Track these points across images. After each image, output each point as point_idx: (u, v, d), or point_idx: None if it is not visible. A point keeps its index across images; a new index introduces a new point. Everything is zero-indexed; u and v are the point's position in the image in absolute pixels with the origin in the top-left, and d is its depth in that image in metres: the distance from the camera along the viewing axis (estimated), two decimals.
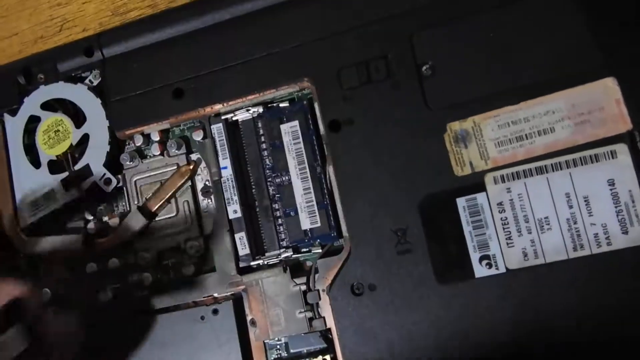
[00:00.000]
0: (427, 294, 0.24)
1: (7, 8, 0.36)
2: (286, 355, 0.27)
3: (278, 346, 0.27)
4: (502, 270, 0.23)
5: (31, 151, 0.30)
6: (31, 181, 0.30)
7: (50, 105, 0.30)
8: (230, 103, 0.27)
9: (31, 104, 0.30)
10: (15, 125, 0.30)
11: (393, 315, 0.24)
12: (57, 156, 0.29)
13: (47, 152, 0.30)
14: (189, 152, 0.28)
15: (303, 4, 0.27)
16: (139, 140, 0.29)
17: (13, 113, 0.30)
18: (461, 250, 0.24)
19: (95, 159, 0.29)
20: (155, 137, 0.29)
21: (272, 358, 0.27)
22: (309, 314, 0.26)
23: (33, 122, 0.30)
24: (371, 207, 0.25)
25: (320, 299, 0.26)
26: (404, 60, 0.25)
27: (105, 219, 0.29)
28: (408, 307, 0.24)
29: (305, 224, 0.26)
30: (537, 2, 0.24)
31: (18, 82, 0.31)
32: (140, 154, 0.29)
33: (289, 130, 0.27)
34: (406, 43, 0.25)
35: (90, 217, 0.29)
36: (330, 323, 0.25)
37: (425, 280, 0.24)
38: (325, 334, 0.26)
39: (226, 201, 0.27)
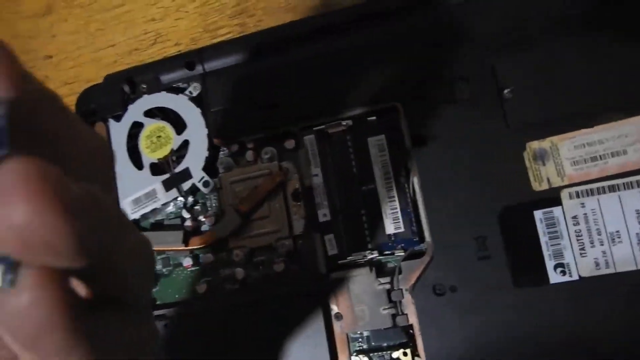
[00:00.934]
0: (504, 297, 0.27)
1: (104, 21, 0.39)
2: (367, 347, 0.29)
3: (360, 339, 0.29)
4: (575, 277, 0.26)
5: (133, 154, 0.33)
6: (134, 181, 0.33)
7: (152, 113, 0.33)
8: (321, 119, 0.30)
9: (135, 111, 0.33)
10: (119, 130, 0.33)
11: (472, 315, 0.27)
12: (158, 159, 0.32)
13: (149, 155, 0.33)
14: (281, 159, 0.31)
15: (393, 29, 0.30)
16: (234, 148, 0.32)
17: (118, 119, 0.34)
18: (537, 258, 0.26)
19: (194, 163, 0.32)
20: (250, 145, 0.32)
21: (355, 349, 0.29)
22: (392, 311, 0.28)
23: (136, 127, 0.33)
24: (453, 215, 0.28)
25: (403, 297, 0.28)
26: (487, 84, 0.28)
27: (201, 218, 0.32)
28: (486, 308, 0.27)
29: (390, 228, 0.29)
30: (608, 34, 0.27)
31: (123, 91, 0.34)
32: (235, 160, 0.32)
33: (376, 143, 0.30)
34: (489, 68, 0.28)
35: (187, 216, 0.32)
36: (412, 320, 0.28)
37: (503, 284, 0.27)
38: (407, 330, 0.29)
39: (316, 206, 0.30)
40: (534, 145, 0.27)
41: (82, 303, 0.12)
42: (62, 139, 0.12)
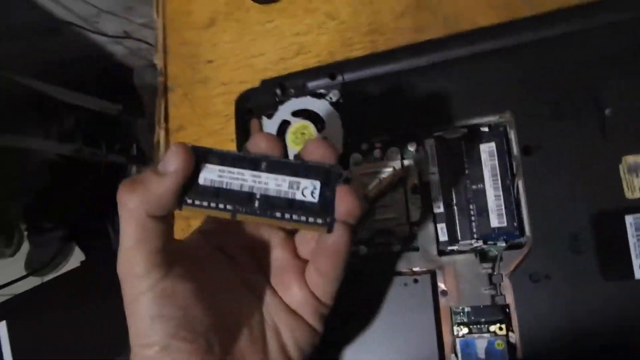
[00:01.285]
0: (593, 288, 0.31)
1: (257, 34, 0.47)
2: (467, 320, 0.35)
3: (462, 313, 0.35)
4: None
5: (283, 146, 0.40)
6: None
7: (298, 113, 0.40)
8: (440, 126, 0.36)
9: (284, 111, 0.41)
10: (270, 126, 0.41)
11: (562, 300, 0.31)
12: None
13: (294, 147, 0.40)
14: (403, 158, 0.37)
15: (506, 51, 0.35)
16: (364, 146, 0.38)
17: (270, 117, 0.41)
18: (625, 256, 0.31)
19: None
20: (378, 144, 0.38)
21: (456, 322, 0.35)
22: (492, 292, 0.34)
23: (284, 124, 0.41)
24: (551, 214, 0.32)
25: (502, 280, 0.33)
26: (590, 103, 0.32)
27: None
28: (576, 296, 0.31)
29: (494, 222, 0.34)
30: None
31: (275, 94, 0.41)
32: (364, 156, 0.38)
33: (487, 150, 0.35)
34: (593, 89, 0.33)
35: None
36: (509, 300, 0.33)
37: (592, 276, 0.31)
38: (504, 309, 0.34)
39: (432, 199, 0.36)
40: (630, 159, 0.31)
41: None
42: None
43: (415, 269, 0.36)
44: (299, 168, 0.27)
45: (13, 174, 1.43)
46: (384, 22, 0.42)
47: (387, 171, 0.37)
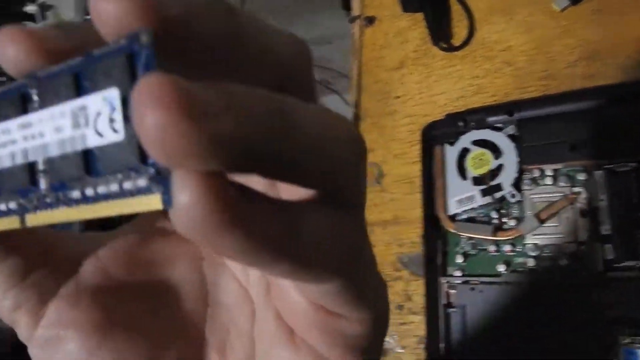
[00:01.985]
0: None
1: (440, 76, 0.55)
2: (629, 332, 0.40)
3: (626, 325, 0.40)
4: None
5: (460, 168, 0.48)
6: (459, 187, 0.48)
7: (478, 143, 0.48)
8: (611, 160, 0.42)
9: (465, 140, 0.49)
10: (452, 152, 0.49)
11: None
12: (479, 174, 0.47)
13: (473, 171, 0.48)
14: (573, 185, 0.43)
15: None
16: (536, 173, 0.45)
17: (452, 144, 0.49)
18: None
19: (506, 180, 0.46)
20: (549, 172, 0.44)
21: (621, 333, 0.40)
22: None
23: (464, 151, 0.48)
24: None
25: None
26: None
27: (505, 219, 0.46)
28: None
29: None
30: None
31: (458, 125, 0.49)
32: (536, 181, 0.45)
33: None
34: None
35: (495, 216, 0.46)
36: None
37: None
38: None
39: (599, 222, 0.41)
40: None
41: (259, 198, 0.12)
42: (229, 46, 0.12)
43: (582, 283, 0.42)
44: (83, 70, 0.12)
45: None
46: (558, 69, 0.49)
47: (558, 196, 0.44)
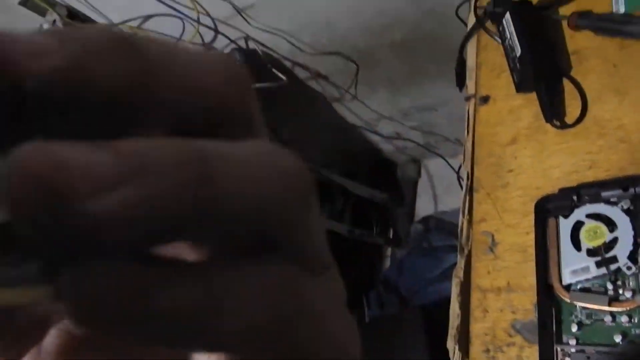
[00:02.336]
0: None
1: (553, 150, 0.59)
2: None
3: None
4: None
5: (574, 239, 0.51)
6: (574, 258, 0.50)
7: (592, 216, 0.50)
8: None
9: (579, 214, 0.51)
10: (566, 225, 0.52)
11: None
12: (593, 246, 0.49)
13: (587, 242, 0.50)
14: None
15: None
16: None
17: (566, 217, 0.52)
18: None
19: (621, 253, 0.47)
20: None
21: None
22: None
23: (578, 224, 0.51)
24: None
25: None
26: None
27: (620, 290, 0.48)
28: None
29: None
30: None
31: (572, 199, 0.52)
32: None
33: None
34: None
35: (610, 287, 0.48)
36: None
37: None
38: None
39: None
40: None
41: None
42: (133, 95, 0.11)
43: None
44: None
45: None
46: None
47: None
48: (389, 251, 1.73)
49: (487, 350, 0.56)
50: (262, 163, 0.11)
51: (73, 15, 1.23)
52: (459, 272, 0.61)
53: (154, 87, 0.11)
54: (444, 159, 1.63)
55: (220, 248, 0.12)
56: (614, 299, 0.47)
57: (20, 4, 1.18)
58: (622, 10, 0.56)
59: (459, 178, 1.14)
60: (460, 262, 0.61)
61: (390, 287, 1.51)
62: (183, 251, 0.12)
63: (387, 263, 1.75)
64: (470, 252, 0.61)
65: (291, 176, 0.12)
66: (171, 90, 0.11)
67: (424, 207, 1.74)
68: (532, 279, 0.53)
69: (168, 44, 0.12)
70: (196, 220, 0.10)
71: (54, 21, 1.21)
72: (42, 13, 1.20)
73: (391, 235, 1.70)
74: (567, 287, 0.50)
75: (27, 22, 1.21)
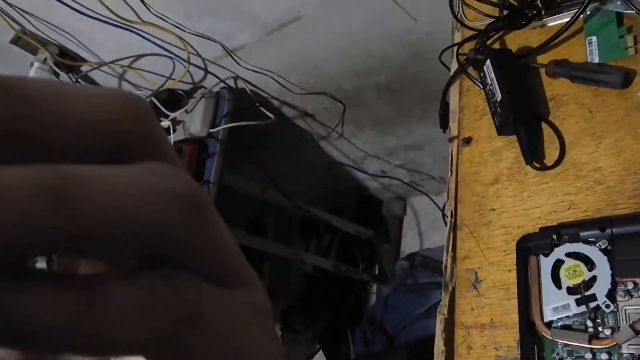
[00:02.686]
0: None
1: (533, 191, 0.61)
2: None
3: None
4: None
5: (555, 278, 0.52)
6: (554, 295, 0.52)
7: (571, 255, 0.52)
8: None
9: (559, 252, 0.53)
10: (547, 263, 0.54)
11: None
12: (573, 284, 0.51)
13: (567, 280, 0.52)
14: None
15: None
16: (630, 285, 0.48)
17: (546, 255, 0.54)
18: None
19: (599, 291, 0.49)
20: None
21: None
22: None
23: (558, 262, 0.53)
24: None
25: None
26: None
27: (599, 328, 0.49)
28: None
29: None
30: None
31: (552, 238, 0.54)
32: (629, 293, 0.48)
33: None
34: None
35: (590, 325, 0.49)
36: None
37: None
38: None
39: None
40: None
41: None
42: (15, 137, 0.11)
43: None
44: None
45: (280, 279, 1.73)
46: None
47: None
48: (374, 287, 1.74)
49: None
50: (140, 183, 0.12)
51: (64, 54, 1.26)
52: (443, 309, 0.62)
53: (35, 128, 0.12)
54: (429, 197, 1.66)
55: (113, 263, 0.13)
56: (594, 337, 0.49)
57: (11, 42, 1.20)
58: (596, 60, 0.60)
59: (443, 215, 1.16)
60: (445, 299, 0.62)
61: (375, 324, 1.51)
62: (80, 266, 0.13)
63: (373, 299, 1.75)
64: (454, 289, 0.63)
65: (177, 194, 0.13)
66: (55, 128, 0.12)
67: (409, 243, 1.75)
68: (515, 316, 0.54)
69: (52, 83, 0.12)
70: (59, 239, 0.11)
71: (45, 59, 1.23)
72: (33, 52, 1.22)
73: (377, 272, 1.71)
74: (549, 324, 0.52)
75: (19, 60, 1.23)
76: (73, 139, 0.12)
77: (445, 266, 0.65)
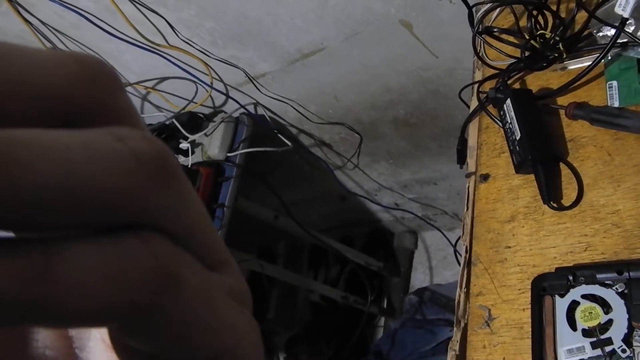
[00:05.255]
0: None
1: (550, 231, 0.61)
2: None
3: None
4: None
5: (570, 319, 0.52)
6: (569, 337, 0.51)
7: (587, 297, 0.52)
8: None
9: (575, 294, 0.53)
10: (562, 304, 0.53)
11: None
12: (588, 327, 0.51)
13: (582, 323, 0.51)
14: None
15: None
16: None
17: (562, 296, 0.54)
18: None
19: (616, 335, 0.49)
20: None
21: None
22: None
23: (574, 304, 0.53)
24: None
25: None
26: None
27: None
28: None
29: None
30: None
31: (568, 279, 0.54)
32: None
33: None
34: None
35: None
36: None
37: None
38: None
39: None
40: None
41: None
42: None
43: None
44: None
45: (286, 306, 1.72)
46: None
47: None
48: (381, 321, 1.72)
49: None
50: (95, 146, 0.11)
51: None
52: (454, 345, 0.61)
53: None
54: (441, 232, 1.66)
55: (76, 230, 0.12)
56: None
57: None
58: (616, 104, 0.60)
59: (455, 251, 1.16)
60: (457, 335, 0.62)
61: (381, 358, 1.49)
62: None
63: (379, 333, 1.73)
64: (466, 325, 0.62)
65: (141, 157, 0.11)
66: (5, 89, 0.11)
67: (419, 278, 1.74)
68: (527, 356, 0.54)
69: (4, 45, 0.11)
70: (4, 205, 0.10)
71: None
72: None
73: (385, 305, 1.69)
74: None
75: None
76: (19, 104, 0.11)
77: (458, 302, 0.65)
